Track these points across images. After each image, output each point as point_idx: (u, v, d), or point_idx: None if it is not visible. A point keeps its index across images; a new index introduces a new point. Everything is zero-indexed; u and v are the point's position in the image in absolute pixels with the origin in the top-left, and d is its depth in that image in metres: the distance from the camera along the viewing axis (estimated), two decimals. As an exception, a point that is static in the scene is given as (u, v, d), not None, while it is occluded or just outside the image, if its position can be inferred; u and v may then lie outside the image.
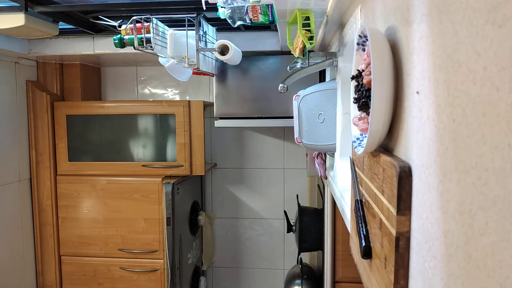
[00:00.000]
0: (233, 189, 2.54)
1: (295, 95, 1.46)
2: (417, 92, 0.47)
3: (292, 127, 1.52)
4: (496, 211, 0.29)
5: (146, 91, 2.55)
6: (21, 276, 2.14)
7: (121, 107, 2.14)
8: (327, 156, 1.70)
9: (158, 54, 1.59)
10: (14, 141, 2.09)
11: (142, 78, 2.55)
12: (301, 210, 2.06)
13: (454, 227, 0.37)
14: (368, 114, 0.60)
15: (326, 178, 1.68)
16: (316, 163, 1.78)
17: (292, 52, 1.30)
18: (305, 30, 1.18)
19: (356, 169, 0.77)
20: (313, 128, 1.41)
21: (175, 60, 1.58)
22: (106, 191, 2.15)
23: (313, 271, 2.20)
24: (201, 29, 1.60)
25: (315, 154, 1.82)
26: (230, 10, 1.34)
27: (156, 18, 1.54)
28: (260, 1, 1.18)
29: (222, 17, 1.35)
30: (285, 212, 2.21)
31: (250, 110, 2.07)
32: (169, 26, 1.68)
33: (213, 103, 2.24)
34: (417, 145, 0.47)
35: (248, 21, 1.38)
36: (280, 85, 1.29)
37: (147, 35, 1.53)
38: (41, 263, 2.22)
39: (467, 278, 0.34)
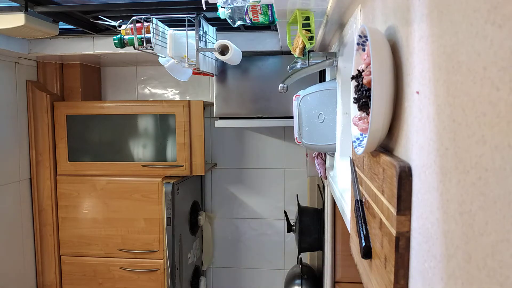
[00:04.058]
0: (233, 189, 2.54)
1: (295, 95, 1.46)
2: (417, 92, 0.47)
3: (292, 127, 1.52)
4: (496, 211, 0.29)
5: (146, 91, 2.55)
6: (21, 276, 2.14)
7: (121, 107, 2.14)
8: (327, 156, 1.69)
9: (158, 54, 1.59)
10: (14, 141, 2.09)
11: (142, 78, 2.55)
12: (301, 210, 2.06)
13: (454, 227, 0.37)
14: (368, 114, 0.60)
15: (326, 178, 1.68)
16: (316, 163, 1.78)
17: (292, 52, 1.30)
18: (305, 30, 1.18)
19: (356, 169, 0.77)
20: (313, 128, 1.41)
21: (175, 60, 1.58)
22: (106, 191, 2.15)
23: (313, 271, 2.20)
24: (201, 29, 1.60)
25: (315, 154, 1.82)
26: (230, 10, 1.34)
27: (156, 18, 1.54)
28: (260, 1, 1.18)
29: (222, 17, 1.35)
30: (285, 212, 2.21)
31: (250, 110, 2.07)
32: (169, 26, 1.68)
33: (213, 103, 2.24)
34: (417, 145, 0.47)
35: (248, 21, 1.38)
36: (280, 85, 1.29)
37: (147, 35, 1.53)
38: (41, 263, 2.22)
39: (467, 278, 0.34)
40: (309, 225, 2.01)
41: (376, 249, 0.60)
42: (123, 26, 1.56)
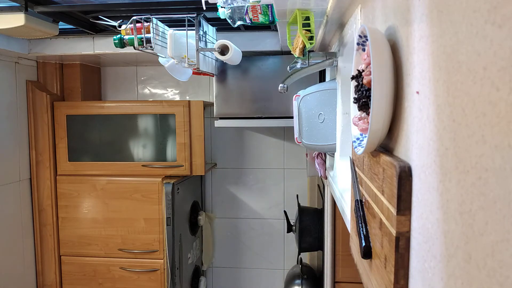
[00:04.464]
0: (233, 189, 2.54)
1: (295, 95, 1.46)
2: (417, 92, 0.47)
3: (292, 127, 1.52)
4: (496, 211, 0.29)
5: (146, 91, 2.55)
6: (21, 276, 2.14)
7: (121, 107, 2.14)
8: (327, 156, 1.69)
9: (158, 54, 1.59)
10: (14, 141, 2.09)
11: (142, 78, 2.55)
12: (301, 210, 2.06)
13: (454, 227, 0.37)
14: (368, 114, 0.60)
15: (326, 178, 1.68)
16: (316, 163, 1.78)
17: (292, 52, 1.30)
18: (305, 30, 1.18)
19: (356, 169, 0.77)
20: (313, 128, 1.41)
21: (175, 60, 1.58)
22: (106, 191, 2.15)
23: (313, 271, 2.20)
24: (201, 29, 1.60)
25: (315, 154, 1.82)
26: (230, 10, 1.34)
27: (156, 18, 1.54)
28: (260, 1, 1.18)
29: (222, 17, 1.35)
30: (285, 212, 2.21)
31: (250, 110, 2.07)
32: (169, 26, 1.68)
33: (213, 103, 2.24)
34: (417, 145, 0.47)
35: (248, 21, 1.38)
36: (280, 85, 1.29)
37: (147, 35, 1.53)
38: (41, 263, 2.22)
39: (467, 278, 0.34)
40: (309, 225, 2.01)
41: (376, 249, 0.60)
42: (123, 26, 1.56)
